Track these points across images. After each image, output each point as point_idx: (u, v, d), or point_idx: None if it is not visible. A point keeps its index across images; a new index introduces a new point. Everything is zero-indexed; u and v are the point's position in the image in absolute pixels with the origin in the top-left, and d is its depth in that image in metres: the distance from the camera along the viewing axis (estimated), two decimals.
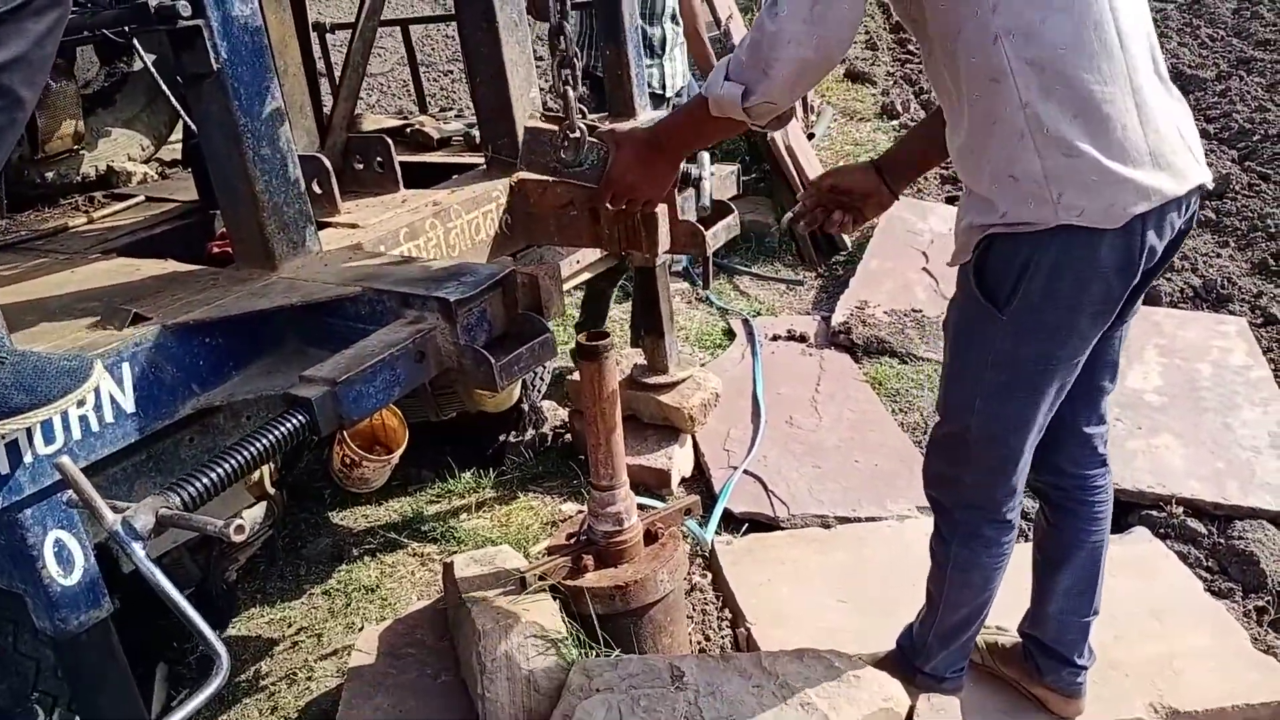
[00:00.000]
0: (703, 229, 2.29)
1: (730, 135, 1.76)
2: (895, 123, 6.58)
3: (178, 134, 3.02)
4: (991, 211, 1.55)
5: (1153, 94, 1.53)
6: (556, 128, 1.79)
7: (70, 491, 1.27)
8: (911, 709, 1.83)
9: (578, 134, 1.76)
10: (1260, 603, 2.48)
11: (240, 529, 1.18)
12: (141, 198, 2.69)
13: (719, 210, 2.35)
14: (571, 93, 1.78)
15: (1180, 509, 2.78)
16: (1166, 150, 1.53)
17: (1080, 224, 1.50)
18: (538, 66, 2.50)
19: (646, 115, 2.89)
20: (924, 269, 4.37)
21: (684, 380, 3.18)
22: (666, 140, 1.76)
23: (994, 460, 1.77)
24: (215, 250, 2.25)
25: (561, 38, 1.80)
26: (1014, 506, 1.85)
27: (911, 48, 8.32)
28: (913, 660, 2.04)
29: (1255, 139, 5.58)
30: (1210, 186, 1.61)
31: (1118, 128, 1.48)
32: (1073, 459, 1.88)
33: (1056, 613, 2.00)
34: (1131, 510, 2.81)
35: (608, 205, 1.88)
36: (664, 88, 4.01)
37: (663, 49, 3.79)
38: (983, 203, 1.57)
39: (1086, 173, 1.48)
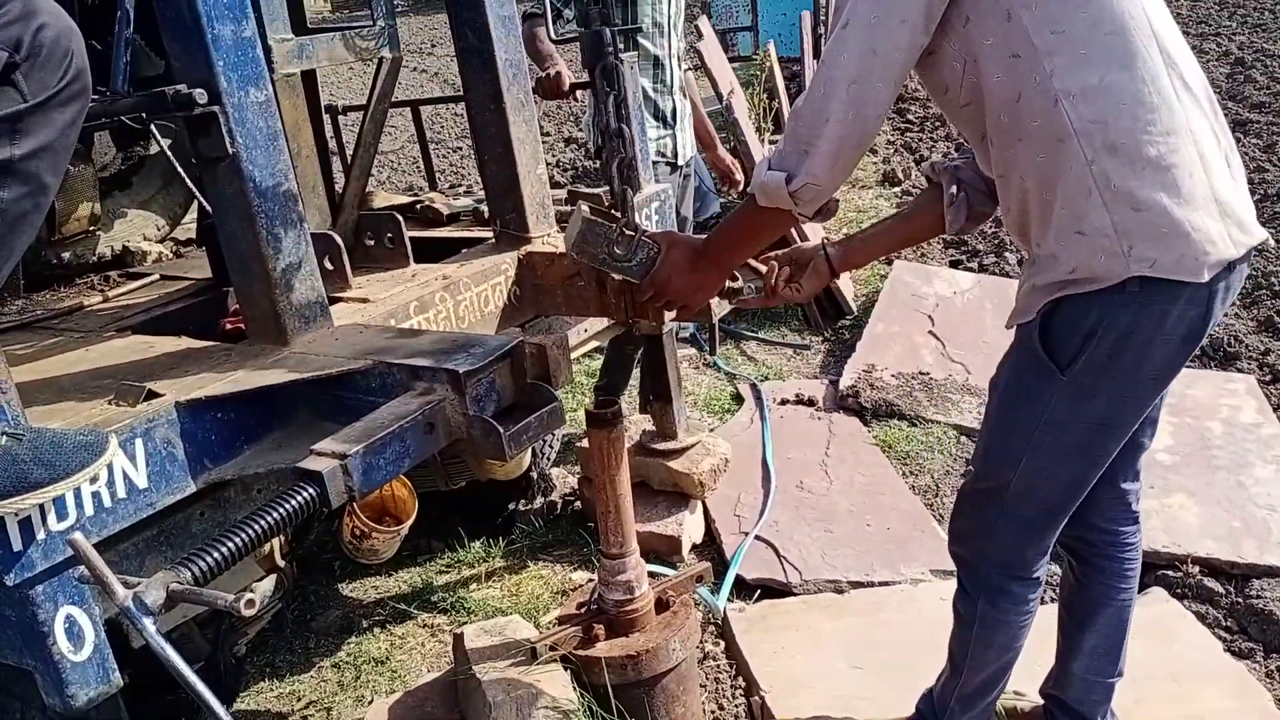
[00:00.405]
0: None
1: (778, 235, 1.79)
2: (897, 189, 6.67)
3: (192, 213, 3.09)
4: (1058, 268, 1.55)
5: (1213, 145, 1.54)
6: (612, 224, 1.82)
7: (82, 567, 1.28)
8: None
9: (634, 233, 1.81)
10: None
11: (251, 603, 1.18)
12: (156, 276, 2.74)
13: None
14: (630, 193, 1.82)
15: (1196, 568, 2.75)
16: (1233, 201, 1.54)
17: (1153, 275, 1.49)
18: (544, 142, 2.56)
19: (651, 188, 2.95)
20: (930, 332, 4.39)
21: (693, 446, 3.19)
22: (717, 251, 1.79)
23: (1029, 518, 1.76)
24: (228, 326, 2.29)
25: (620, 141, 1.82)
26: (1042, 565, 1.83)
27: (910, 117, 8.47)
28: None
29: (1256, 198, 5.64)
30: (1272, 243, 1.62)
31: (1185, 178, 1.49)
32: (1105, 515, 1.88)
33: (1081, 671, 1.97)
34: (1147, 571, 2.77)
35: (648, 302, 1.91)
36: (676, 156, 4.11)
37: (674, 120, 3.91)
38: (1049, 260, 1.57)
39: (1157, 224, 1.48)
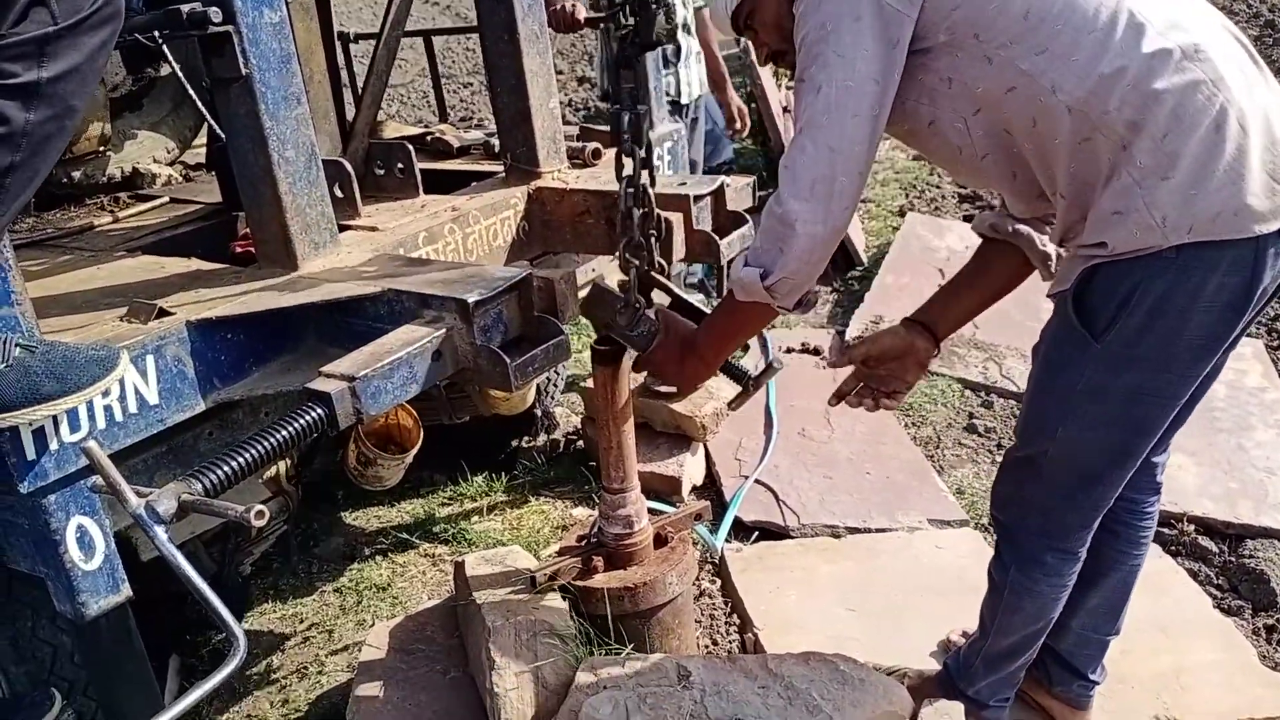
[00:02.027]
0: (717, 238, 2.33)
1: (761, 327, 1.87)
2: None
3: (202, 137, 3.09)
4: (1099, 248, 1.55)
5: (1247, 99, 1.49)
6: (621, 293, 1.92)
7: (96, 476, 1.31)
8: (915, 713, 1.85)
9: (636, 307, 1.90)
10: (1270, 620, 2.49)
11: (261, 514, 1.21)
12: (166, 199, 2.75)
13: (734, 220, 2.39)
14: (634, 271, 1.88)
15: (1192, 527, 2.79)
16: (1270, 157, 1.48)
17: (1191, 240, 1.47)
18: (557, 80, 2.55)
19: (664, 127, 2.94)
20: (939, 285, 4.39)
21: (696, 389, 3.21)
22: (704, 346, 1.86)
23: (1068, 487, 1.75)
24: (238, 250, 2.30)
25: (630, 222, 1.86)
26: (1083, 539, 1.81)
27: None
28: (957, 683, 2.03)
29: None
30: None
31: (1212, 136, 1.46)
32: (1130, 483, 1.82)
33: (1079, 627, 2.00)
34: None
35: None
36: (679, 94, 4.08)
37: (677, 58, 3.87)
38: (1091, 241, 1.57)
39: (1186, 188, 1.46)
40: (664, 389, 3.19)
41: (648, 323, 1.91)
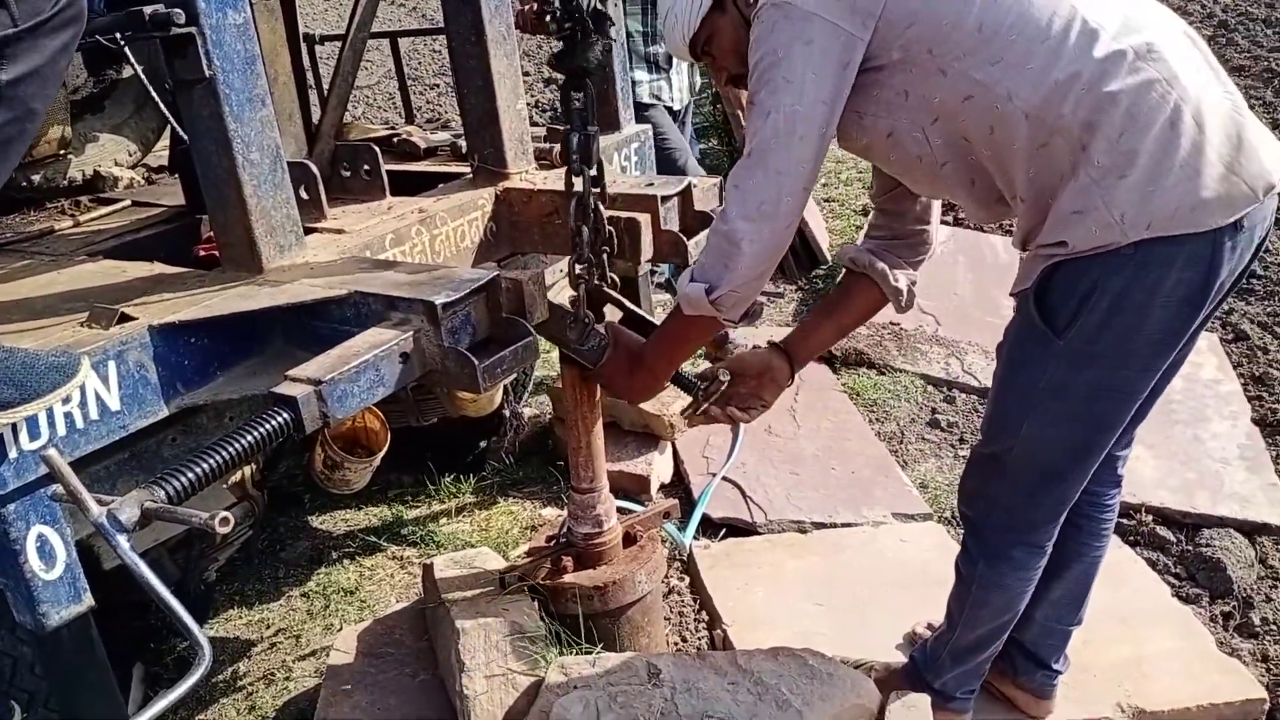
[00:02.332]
0: (685, 238, 2.33)
1: (706, 339, 1.92)
2: None
3: (164, 140, 3.04)
4: (1059, 246, 1.57)
5: (1203, 95, 1.51)
6: (571, 310, 1.96)
7: (56, 484, 1.29)
8: (882, 706, 1.86)
9: (585, 322, 1.95)
10: (1226, 608, 2.54)
11: (226, 521, 1.20)
12: (128, 202, 2.71)
13: (701, 220, 2.39)
14: (582, 290, 1.92)
15: (1150, 517, 2.83)
16: (1226, 151, 1.50)
17: (1149, 236, 1.49)
18: (523, 81, 2.53)
19: (630, 129, 2.94)
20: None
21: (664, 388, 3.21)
22: (652, 358, 1.91)
23: (1032, 483, 1.76)
24: (201, 253, 2.27)
25: (578, 239, 1.89)
26: (1049, 534, 1.84)
27: None
28: (923, 675, 2.05)
29: None
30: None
31: (1167, 134, 1.48)
32: (1092, 476, 1.84)
33: (1042, 619, 2.03)
34: None
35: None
36: (671, 100, 4.08)
37: (669, 64, 3.87)
38: (1051, 240, 1.59)
39: (1143, 185, 1.49)
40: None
41: (597, 337, 1.96)
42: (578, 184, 1.84)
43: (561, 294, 2.21)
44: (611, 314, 2.05)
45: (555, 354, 4.29)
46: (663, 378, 1.95)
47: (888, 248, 1.95)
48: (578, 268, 1.91)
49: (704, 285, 1.68)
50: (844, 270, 2.03)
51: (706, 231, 2.34)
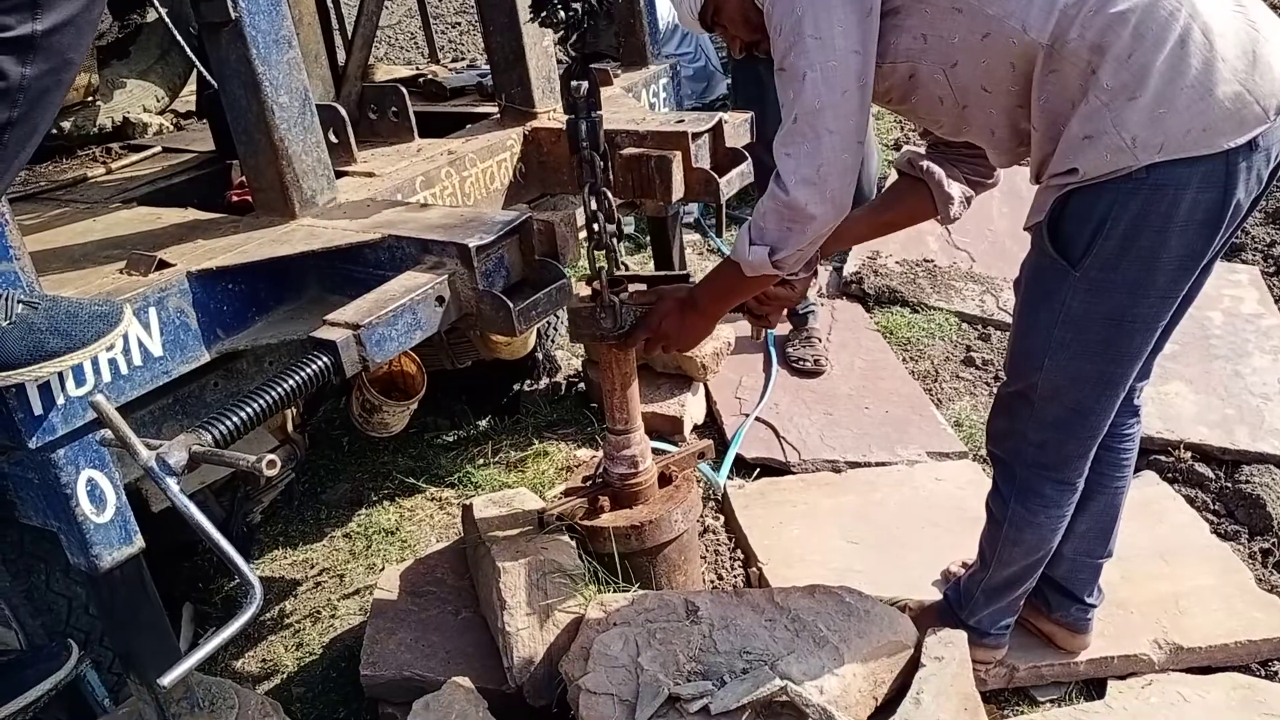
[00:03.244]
0: (716, 176, 2.30)
1: (762, 288, 1.89)
2: None
3: (191, 85, 3.03)
4: (1070, 175, 1.55)
5: (1210, 9, 1.48)
6: (593, 303, 1.97)
7: (105, 430, 1.31)
8: (919, 642, 1.87)
9: (614, 303, 1.95)
10: (1265, 544, 2.51)
11: (273, 464, 1.21)
12: (158, 149, 2.71)
13: (733, 157, 2.36)
14: (605, 273, 1.93)
15: (1189, 454, 2.81)
16: (1240, 68, 1.47)
17: (1162, 159, 1.47)
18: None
19: (658, 64, 2.89)
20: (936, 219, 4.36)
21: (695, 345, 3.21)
22: (706, 303, 1.91)
23: (1060, 418, 1.76)
24: (234, 199, 2.27)
25: (595, 225, 1.90)
26: (1080, 469, 1.83)
27: None
28: (957, 613, 2.06)
29: None
30: None
31: (1178, 53, 1.45)
32: None
33: (1071, 553, 2.02)
34: (1141, 455, 2.80)
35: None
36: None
37: None
38: (1062, 169, 1.57)
39: (1153, 106, 1.46)
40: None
41: (632, 310, 1.98)
42: (589, 172, 1.85)
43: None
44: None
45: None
46: (714, 320, 1.95)
47: (949, 158, 1.91)
48: (598, 254, 1.92)
49: (765, 248, 1.68)
50: (898, 173, 1.99)
51: (739, 169, 2.32)
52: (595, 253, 1.93)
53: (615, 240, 1.94)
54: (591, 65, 1.84)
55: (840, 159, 1.59)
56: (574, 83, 1.80)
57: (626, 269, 1.99)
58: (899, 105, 1.75)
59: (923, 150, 1.96)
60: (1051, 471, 1.83)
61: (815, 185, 1.60)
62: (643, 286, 2.07)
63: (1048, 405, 1.75)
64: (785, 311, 2.10)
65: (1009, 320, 3.65)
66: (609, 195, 1.90)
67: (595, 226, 1.90)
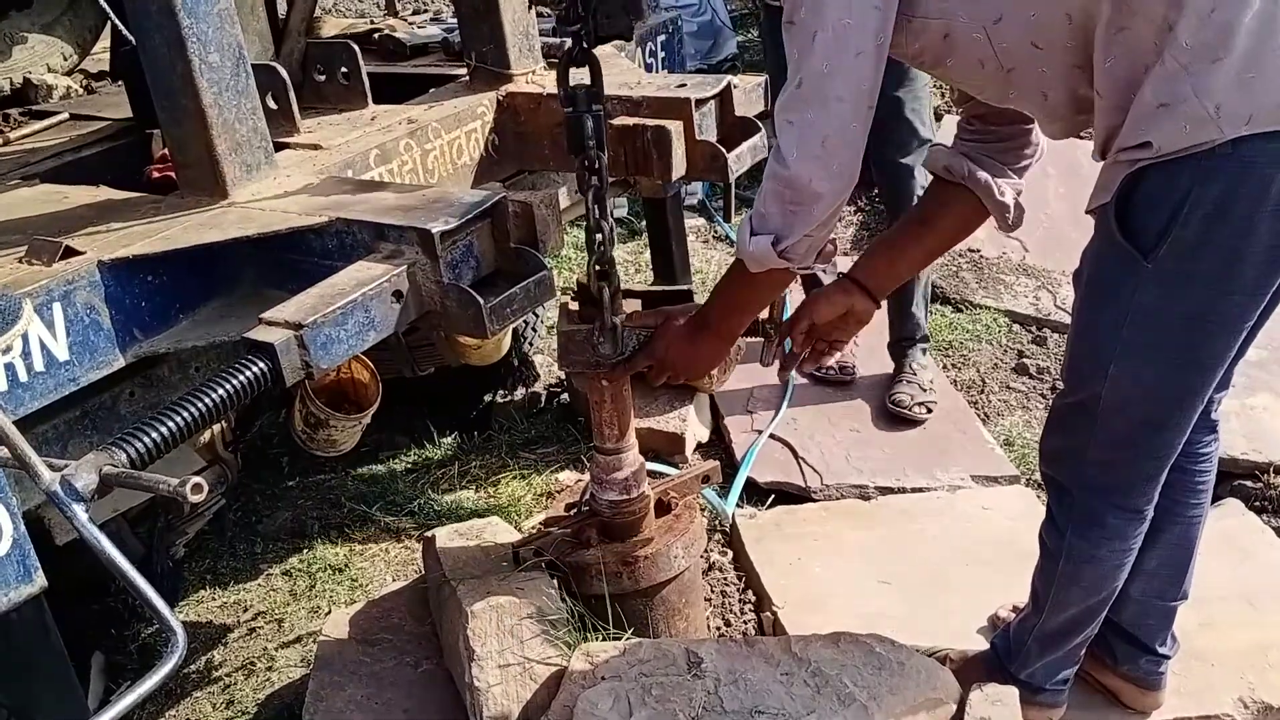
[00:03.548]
0: (724, 151, 2.30)
1: (779, 291, 1.91)
2: None
3: (105, 41, 3.03)
4: (1143, 149, 1.54)
5: None
6: (588, 325, 1.97)
7: (0, 448, 1.30)
8: (963, 699, 1.87)
9: (615, 325, 1.96)
10: None
11: (198, 487, 1.21)
12: (65, 115, 2.71)
13: (744, 128, 2.36)
14: (606, 290, 1.93)
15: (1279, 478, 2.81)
16: None
17: (1250, 133, 1.46)
18: None
19: (656, 17, 2.90)
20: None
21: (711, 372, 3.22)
22: (717, 318, 1.92)
23: (1126, 435, 1.75)
24: (155, 175, 2.27)
25: (599, 236, 1.90)
26: (1149, 495, 1.83)
27: None
28: (1007, 665, 2.05)
29: None
30: None
31: (1268, 14, 1.44)
32: None
33: (1139, 594, 2.02)
34: (1223, 480, 2.83)
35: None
36: None
37: None
38: (1133, 142, 1.55)
39: (1240, 70, 1.45)
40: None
41: (636, 334, 1.99)
42: (593, 179, 1.86)
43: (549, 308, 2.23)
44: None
45: (572, 288, 4.30)
46: (730, 339, 1.96)
47: (986, 151, 1.91)
48: (598, 268, 1.92)
49: (769, 237, 1.69)
50: (932, 180, 1.99)
51: (751, 142, 2.33)
52: (595, 268, 1.93)
53: (612, 274, 1.94)
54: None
55: (849, 129, 1.59)
56: (573, 71, 1.80)
57: (615, 273, 1.98)
58: (933, 69, 1.75)
59: (951, 148, 1.93)
60: (1116, 497, 1.83)
61: (819, 159, 1.60)
62: (638, 305, 2.08)
63: (1112, 419, 1.75)
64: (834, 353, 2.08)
65: (1068, 320, 3.66)
66: (609, 204, 1.91)
67: (599, 237, 1.91)
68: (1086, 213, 1.70)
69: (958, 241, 2.06)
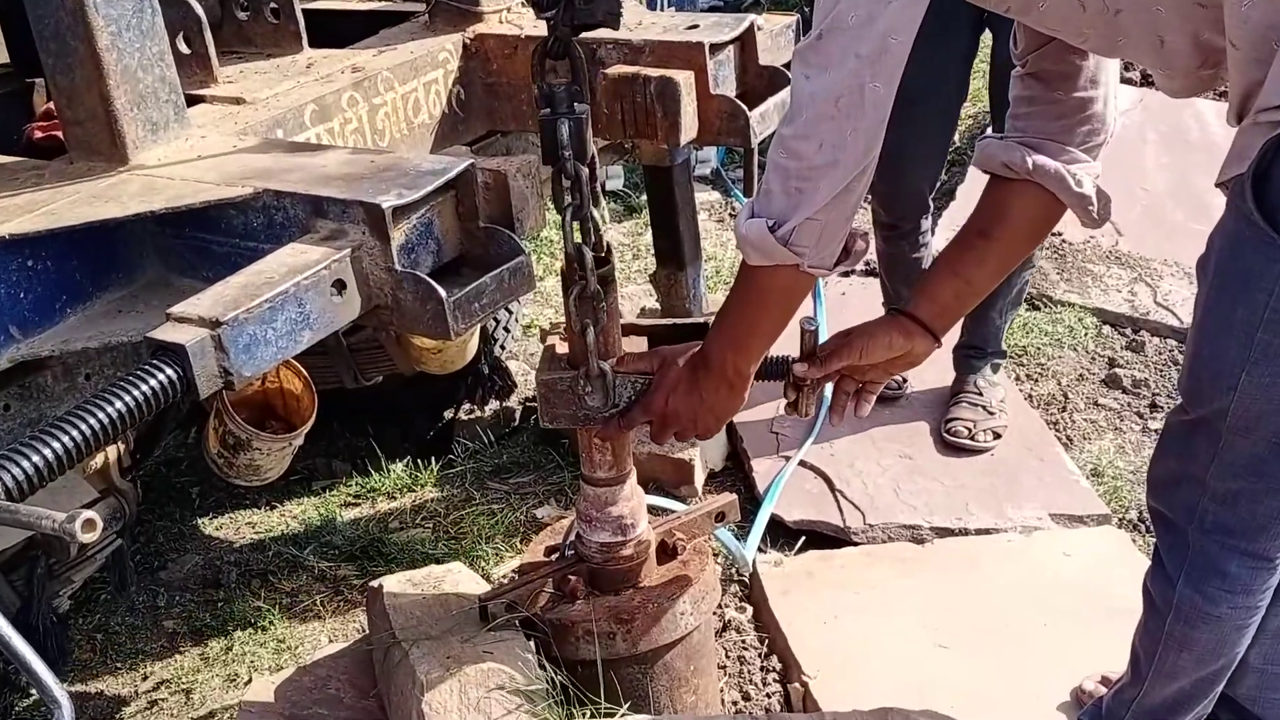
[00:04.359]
0: (745, 108, 2.31)
1: (794, 306, 1.87)
2: None
3: None
4: None
5: None
6: (572, 372, 1.97)
7: None
8: None
9: (601, 373, 1.95)
10: None
11: (90, 525, 1.21)
12: None
13: (770, 81, 2.37)
14: (591, 331, 1.91)
15: None
16: None
17: None
18: None
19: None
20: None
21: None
22: (720, 352, 1.89)
23: (1257, 460, 1.74)
24: (37, 136, 2.28)
25: (580, 264, 1.89)
26: None
27: None
28: None
29: None
30: None
31: None
32: None
33: (1260, 662, 2.02)
34: None
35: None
36: None
37: None
38: (1276, 102, 1.55)
39: None
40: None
41: (630, 383, 1.99)
42: (570, 195, 1.85)
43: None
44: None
45: (555, 280, 4.30)
46: (743, 378, 1.92)
47: (1047, 132, 1.91)
48: (578, 306, 1.92)
49: (767, 220, 1.69)
50: (987, 182, 1.99)
51: (778, 98, 2.33)
52: (577, 304, 1.92)
53: (599, 312, 1.94)
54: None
55: (869, 89, 1.60)
56: (551, 63, 1.81)
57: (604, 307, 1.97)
58: (1023, 14, 1.75)
59: (1003, 137, 1.93)
60: (1240, 540, 1.82)
61: (832, 120, 1.61)
62: (643, 343, 2.09)
63: (1240, 441, 1.74)
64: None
65: (1172, 321, 3.68)
66: (600, 224, 1.90)
67: (576, 266, 1.89)
68: (1218, 185, 1.70)
69: (1031, 250, 2.06)
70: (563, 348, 2.03)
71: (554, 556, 2.26)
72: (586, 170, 1.85)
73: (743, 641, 2.66)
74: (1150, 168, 4.25)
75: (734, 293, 1.86)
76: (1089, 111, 1.91)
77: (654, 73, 2.19)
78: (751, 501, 3.04)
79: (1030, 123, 1.91)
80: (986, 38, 3.02)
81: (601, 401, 1.98)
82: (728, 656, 2.61)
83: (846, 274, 3.94)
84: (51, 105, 2.08)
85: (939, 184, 3.60)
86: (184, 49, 2.19)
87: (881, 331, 1.94)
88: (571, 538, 2.23)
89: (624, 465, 2.14)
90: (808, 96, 1.63)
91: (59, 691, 1.26)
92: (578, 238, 1.89)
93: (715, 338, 1.90)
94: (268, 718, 2.32)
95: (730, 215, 4.68)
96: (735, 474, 3.22)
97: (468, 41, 2.40)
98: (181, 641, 2.93)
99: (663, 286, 3.22)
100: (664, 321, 2.08)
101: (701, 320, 2.09)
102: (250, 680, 2.60)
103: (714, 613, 2.45)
